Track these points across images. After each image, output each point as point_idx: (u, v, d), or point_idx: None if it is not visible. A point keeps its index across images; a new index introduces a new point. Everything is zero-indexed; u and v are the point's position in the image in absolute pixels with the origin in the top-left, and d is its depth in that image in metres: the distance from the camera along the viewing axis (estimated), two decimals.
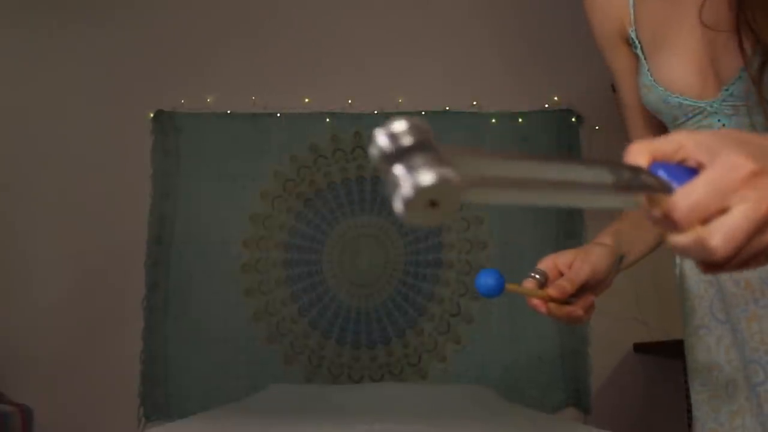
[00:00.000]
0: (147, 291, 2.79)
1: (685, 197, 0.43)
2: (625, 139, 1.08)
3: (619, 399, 2.73)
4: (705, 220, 0.43)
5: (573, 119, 2.89)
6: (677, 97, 0.89)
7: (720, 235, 0.42)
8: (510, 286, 0.81)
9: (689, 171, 0.45)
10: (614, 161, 0.43)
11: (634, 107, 1.01)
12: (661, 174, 0.45)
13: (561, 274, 0.84)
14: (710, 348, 0.92)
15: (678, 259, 0.99)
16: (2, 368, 2.72)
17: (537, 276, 0.83)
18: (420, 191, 0.31)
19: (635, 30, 0.95)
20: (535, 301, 0.82)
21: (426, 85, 2.95)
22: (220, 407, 2.23)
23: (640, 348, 2.72)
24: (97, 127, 2.92)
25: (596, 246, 0.90)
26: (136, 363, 2.74)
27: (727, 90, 0.85)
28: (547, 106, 2.91)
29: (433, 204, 0.32)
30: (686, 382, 1.02)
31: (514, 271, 0.82)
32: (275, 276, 2.82)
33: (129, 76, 2.97)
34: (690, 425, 0.99)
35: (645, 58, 0.94)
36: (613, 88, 1.09)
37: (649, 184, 0.44)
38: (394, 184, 0.33)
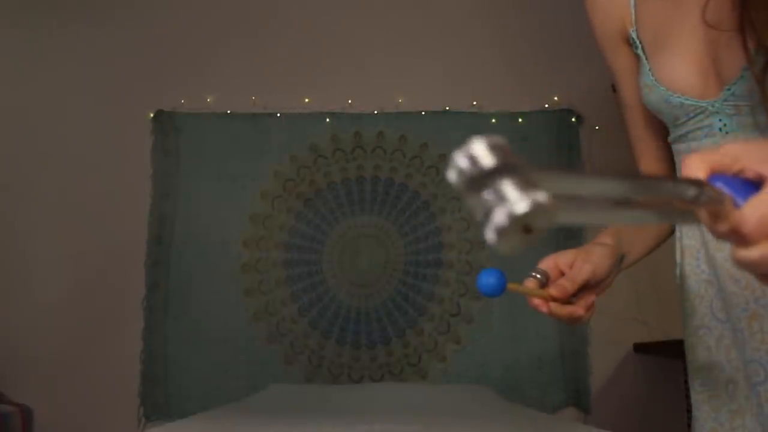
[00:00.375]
0: (147, 291, 2.79)
1: (754, 210, 0.42)
2: (624, 139, 1.08)
3: (619, 399, 2.73)
4: None
5: (573, 119, 2.89)
6: (678, 97, 0.89)
7: None
8: (511, 286, 0.81)
9: (747, 183, 0.45)
10: (676, 177, 0.43)
11: (635, 107, 1.01)
12: (721, 186, 0.44)
13: (562, 274, 0.84)
14: (710, 348, 0.92)
15: (678, 259, 0.99)
16: (2, 368, 2.72)
17: (538, 276, 0.83)
18: (515, 220, 0.30)
19: (636, 30, 0.95)
20: (537, 301, 0.82)
21: (426, 85, 2.95)
22: (220, 407, 2.23)
23: (640, 348, 2.72)
24: (97, 127, 2.92)
25: (597, 246, 0.89)
26: (136, 363, 2.74)
27: (728, 90, 0.85)
28: (547, 106, 2.91)
29: (526, 230, 0.31)
30: (686, 382, 1.02)
31: (515, 271, 0.82)
32: (275, 276, 2.82)
33: (129, 76, 2.97)
34: (690, 425, 0.99)
35: (646, 58, 0.94)
36: (614, 88, 1.09)
37: (714, 198, 0.43)
38: (485, 211, 0.31)
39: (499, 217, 0.31)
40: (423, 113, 2.92)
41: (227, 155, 2.90)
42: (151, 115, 2.92)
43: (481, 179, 0.32)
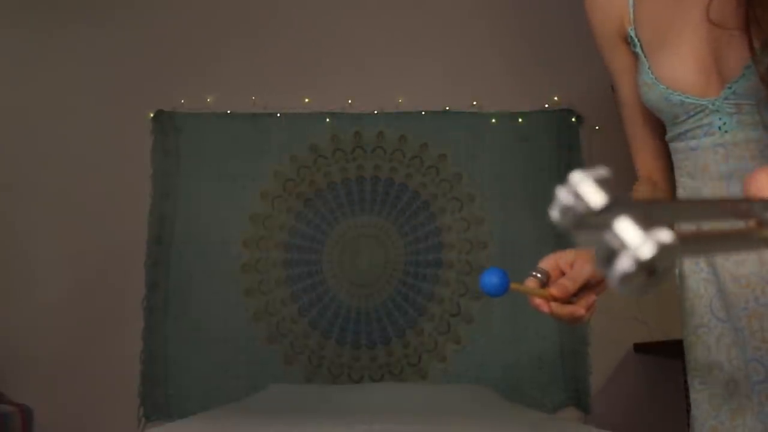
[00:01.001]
0: (147, 291, 2.79)
1: None
2: (625, 138, 1.08)
3: (619, 399, 2.73)
4: None
5: (573, 119, 2.89)
6: (678, 95, 0.89)
7: None
8: (514, 286, 0.81)
9: None
10: (752, 199, 0.41)
11: (633, 106, 1.02)
12: None
13: (563, 273, 0.84)
14: (710, 347, 0.92)
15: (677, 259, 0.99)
16: (2, 368, 2.72)
17: (539, 275, 0.83)
18: (642, 265, 0.29)
19: (634, 28, 0.96)
20: (538, 301, 0.82)
21: (426, 85, 2.95)
22: (220, 407, 2.23)
23: (640, 348, 2.72)
24: (97, 127, 2.92)
25: None
26: (136, 363, 2.74)
27: (729, 88, 0.86)
28: (547, 106, 2.91)
29: (650, 272, 0.29)
30: (686, 382, 1.02)
31: (515, 271, 0.82)
32: (275, 276, 2.82)
33: (129, 76, 2.97)
34: (690, 425, 0.99)
35: (645, 56, 0.94)
36: (613, 88, 1.09)
37: None
38: (605, 254, 0.30)
39: (625, 263, 0.29)
40: (423, 113, 2.92)
41: (227, 155, 2.90)
42: (151, 115, 2.92)
43: (590, 217, 0.30)
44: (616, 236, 0.29)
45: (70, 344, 2.77)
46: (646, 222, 0.29)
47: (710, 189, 0.91)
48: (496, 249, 2.80)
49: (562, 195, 0.31)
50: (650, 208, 0.32)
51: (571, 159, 2.86)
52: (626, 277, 0.29)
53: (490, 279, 0.80)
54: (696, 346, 0.95)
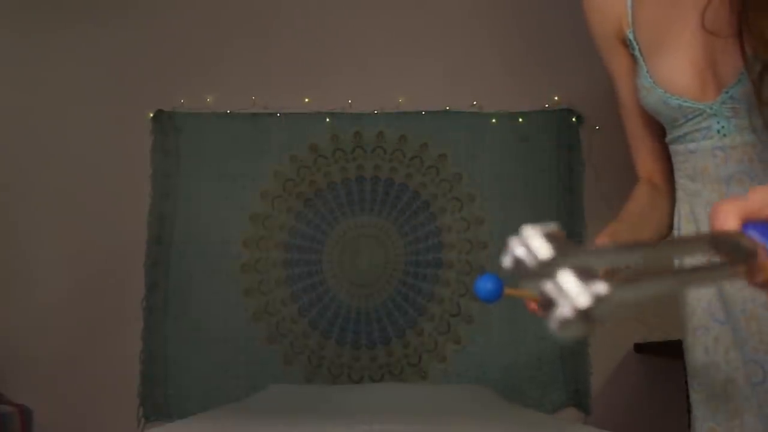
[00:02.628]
0: (147, 291, 2.79)
1: None
2: (625, 138, 1.08)
3: (619, 399, 2.73)
4: None
5: (573, 119, 2.89)
6: (677, 99, 0.90)
7: None
8: (508, 291, 0.81)
9: None
10: (711, 233, 0.44)
11: (632, 108, 1.02)
12: (753, 235, 0.44)
13: None
14: (708, 348, 0.92)
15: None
16: (2, 368, 2.72)
17: None
18: (579, 314, 0.33)
19: (633, 31, 0.95)
20: (534, 305, 0.82)
21: (426, 85, 2.95)
22: (220, 407, 2.23)
23: (640, 348, 2.72)
24: (97, 127, 2.91)
25: None
26: (136, 363, 2.74)
27: (726, 92, 0.86)
28: (547, 106, 2.90)
29: (587, 318, 0.33)
30: (686, 382, 1.02)
31: (513, 275, 0.83)
32: (275, 276, 2.82)
33: (129, 76, 2.97)
34: (690, 425, 0.99)
35: (643, 60, 0.94)
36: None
37: (749, 249, 0.43)
38: (545, 302, 0.34)
39: (564, 310, 0.33)
40: (423, 113, 2.92)
41: (227, 155, 2.90)
42: (151, 115, 2.92)
43: (538, 268, 0.34)
44: (557, 286, 0.33)
45: (69, 344, 2.77)
46: (588, 276, 0.33)
47: (710, 191, 0.91)
48: (496, 249, 2.80)
49: (515, 246, 0.35)
50: (599, 254, 0.37)
51: (571, 159, 2.86)
52: (564, 323, 0.33)
53: (484, 285, 0.80)
54: (695, 347, 0.95)
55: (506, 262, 0.35)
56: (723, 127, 0.88)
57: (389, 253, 2.85)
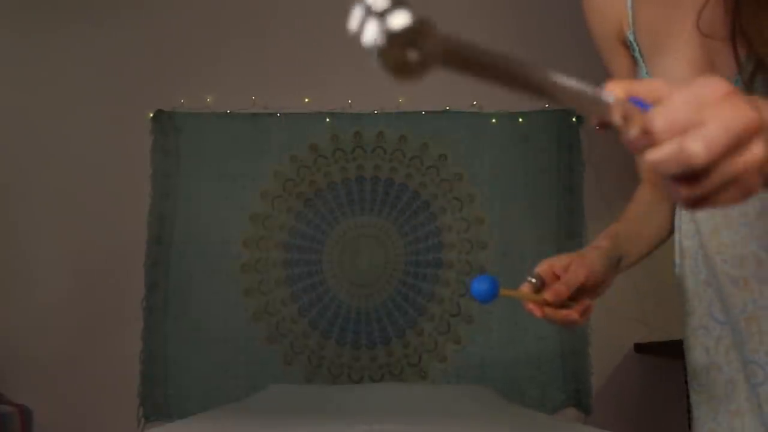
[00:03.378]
0: (147, 291, 2.79)
1: (663, 112, 0.45)
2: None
3: (619, 399, 2.73)
4: (683, 134, 0.44)
5: (573, 119, 2.89)
6: None
7: (699, 140, 0.43)
8: (504, 291, 0.82)
9: None
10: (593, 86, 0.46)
11: None
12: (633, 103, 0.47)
13: (557, 278, 0.85)
14: (708, 349, 0.92)
15: (677, 260, 0.99)
16: (2, 368, 2.72)
17: (533, 280, 0.84)
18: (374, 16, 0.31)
19: (633, 33, 0.95)
20: (531, 305, 0.83)
21: (426, 85, 2.91)
22: (220, 407, 2.23)
23: (640, 348, 2.72)
24: (97, 127, 2.91)
25: (593, 249, 0.91)
26: (136, 363, 2.74)
27: None
28: (547, 106, 2.90)
29: (412, 47, 0.31)
30: (686, 382, 1.02)
31: (515, 272, 0.83)
32: (275, 276, 2.82)
33: (129, 76, 2.97)
34: (690, 425, 0.99)
35: (643, 61, 0.94)
36: None
37: (627, 107, 0.46)
38: (360, 21, 0.32)
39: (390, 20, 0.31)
40: (423, 113, 2.92)
41: (227, 155, 2.90)
42: (151, 115, 2.92)
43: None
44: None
45: (69, 344, 2.77)
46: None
47: None
48: (496, 249, 2.80)
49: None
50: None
51: (571, 159, 2.86)
52: (388, 35, 0.30)
53: (480, 286, 0.81)
54: (695, 347, 0.95)
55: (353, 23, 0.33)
56: None
57: (389, 253, 2.85)
